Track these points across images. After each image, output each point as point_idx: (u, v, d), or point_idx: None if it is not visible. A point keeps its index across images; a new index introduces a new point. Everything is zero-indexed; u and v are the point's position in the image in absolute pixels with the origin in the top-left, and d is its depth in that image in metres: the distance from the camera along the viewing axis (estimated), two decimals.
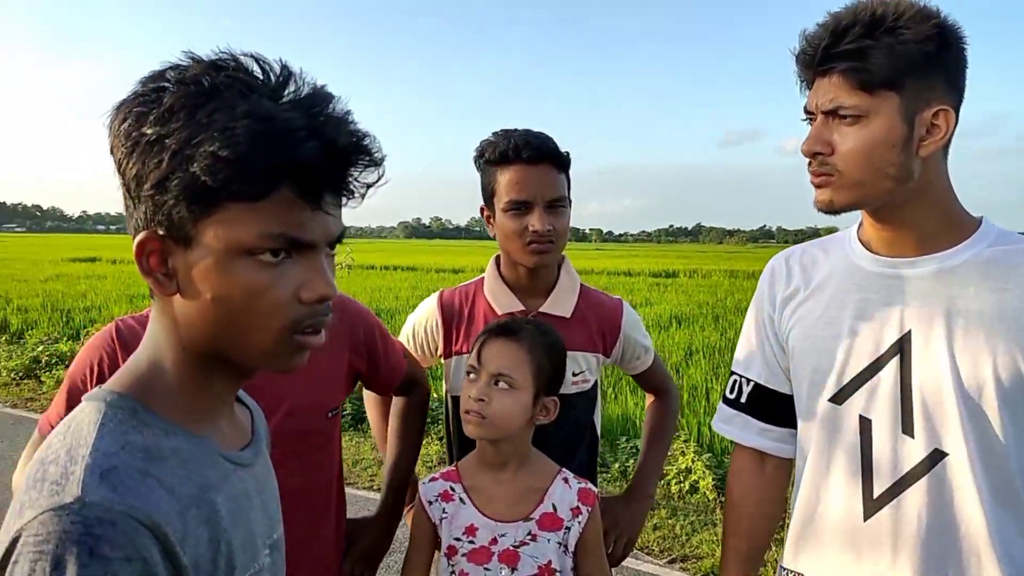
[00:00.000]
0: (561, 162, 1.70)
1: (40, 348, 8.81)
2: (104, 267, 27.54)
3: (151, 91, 0.75)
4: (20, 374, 8.28)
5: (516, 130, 1.72)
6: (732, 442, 1.50)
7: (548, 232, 1.66)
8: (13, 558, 0.65)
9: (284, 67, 0.78)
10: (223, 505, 0.80)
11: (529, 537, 1.46)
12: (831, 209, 1.21)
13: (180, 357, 0.82)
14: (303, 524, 1.46)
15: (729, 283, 22.29)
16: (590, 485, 1.56)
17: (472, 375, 1.50)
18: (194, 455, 0.79)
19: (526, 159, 1.66)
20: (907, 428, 1.20)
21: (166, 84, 0.75)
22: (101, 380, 1.34)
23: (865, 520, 1.23)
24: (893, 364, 1.22)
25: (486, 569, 1.45)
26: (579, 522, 1.49)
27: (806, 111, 1.21)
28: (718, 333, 10.65)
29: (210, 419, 0.85)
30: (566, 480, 1.54)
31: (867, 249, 1.28)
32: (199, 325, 0.79)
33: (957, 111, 1.16)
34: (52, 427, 1.40)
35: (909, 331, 1.21)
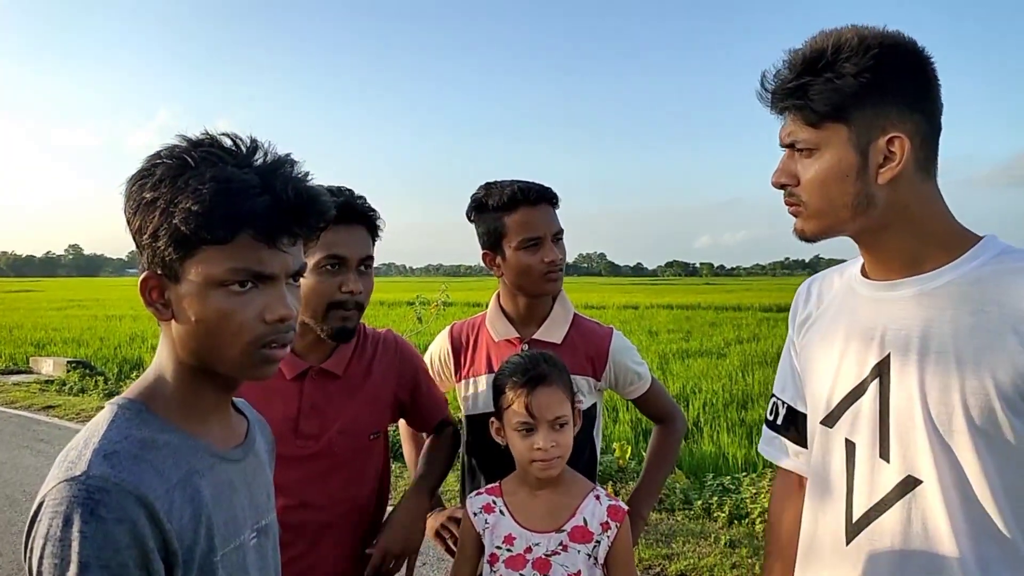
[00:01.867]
0: (555, 201, 1.96)
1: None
2: None
3: (151, 166, 0.98)
4: None
5: (506, 180, 1.96)
6: None
7: (557, 262, 1.92)
8: (38, 517, 0.88)
9: (253, 141, 1.01)
10: (206, 489, 1.00)
11: (560, 547, 1.60)
12: (805, 237, 1.24)
13: (177, 370, 1.03)
14: (346, 529, 1.73)
15: None
16: (621, 503, 1.68)
17: (529, 428, 1.61)
18: (183, 448, 1.00)
19: (534, 201, 1.91)
20: (884, 453, 1.18)
21: (159, 160, 0.98)
22: None
23: (847, 544, 1.22)
24: (874, 387, 1.20)
25: (521, 575, 1.59)
26: (608, 536, 1.62)
27: (780, 144, 1.25)
28: None
29: (203, 422, 1.05)
30: (598, 497, 1.67)
31: (862, 273, 1.29)
32: (188, 343, 1.00)
33: (922, 135, 1.15)
34: None
35: (888, 355, 1.19)
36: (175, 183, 0.94)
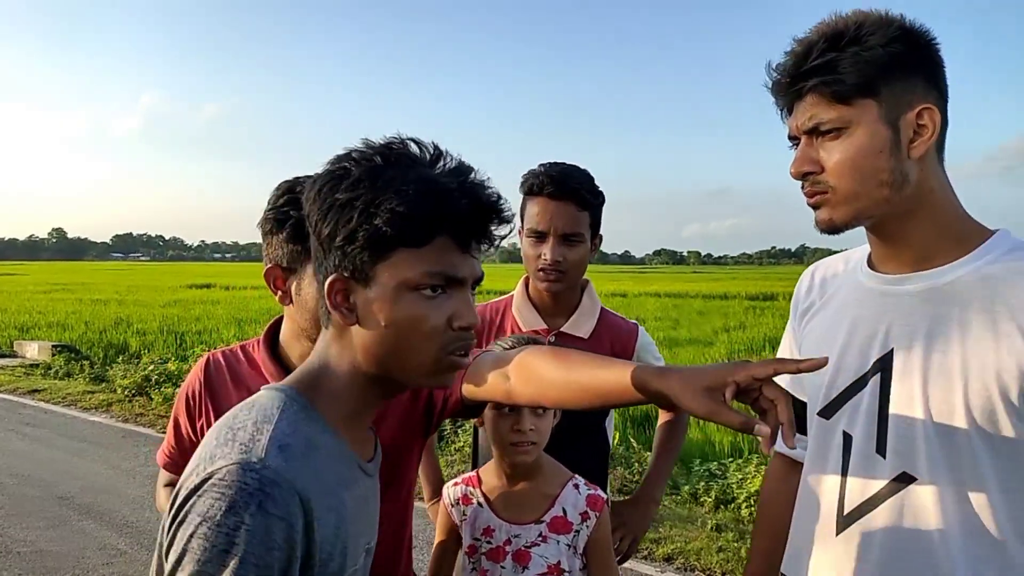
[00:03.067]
0: (582, 200, 1.82)
1: (151, 367, 9.46)
2: (218, 293, 29.27)
3: (339, 168, 0.96)
4: (133, 391, 8.90)
5: (555, 164, 1.86)
6: None
7: (557, 263, 1.82)
8: (199, 492, 0.84)
9: (435, 146, 0.98)
10: (349, 502, 0.96)
11: (540, 538, 1.57)
12: (832, 228, 1.18)
13: (350, 374, 0.99)
14: (388, 531, 1.44)
15: None
16: (600, 492, 1.65)
17: (509, 411, 1.55)
18: (337, 454, 0.97)
19: (547, 194, 1.82)
20: (880, 448, 1.17)
21: (349, 164, 0.95)
22: (191, 412, 1.45)
23: (837, 535, 1.21)
24: (874, 382, 1.18)
25: (501, 567, 1.56)
26: (588, 526, 1.59)
27: (790, 138, 1.21)
28: None
29: (355, 430, 1.02)
30: (576, 486, 1.63)
31: (869, 265, 1.26)
32: (374, 348, 0.97)
33: (943, 111, 1.13)
34: (168, 457, 1.53)
35: (891, 350, 1.17)
36: (375, 184, 0.92)
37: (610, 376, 1.11)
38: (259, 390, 1.32)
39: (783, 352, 1.47)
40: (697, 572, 4.23)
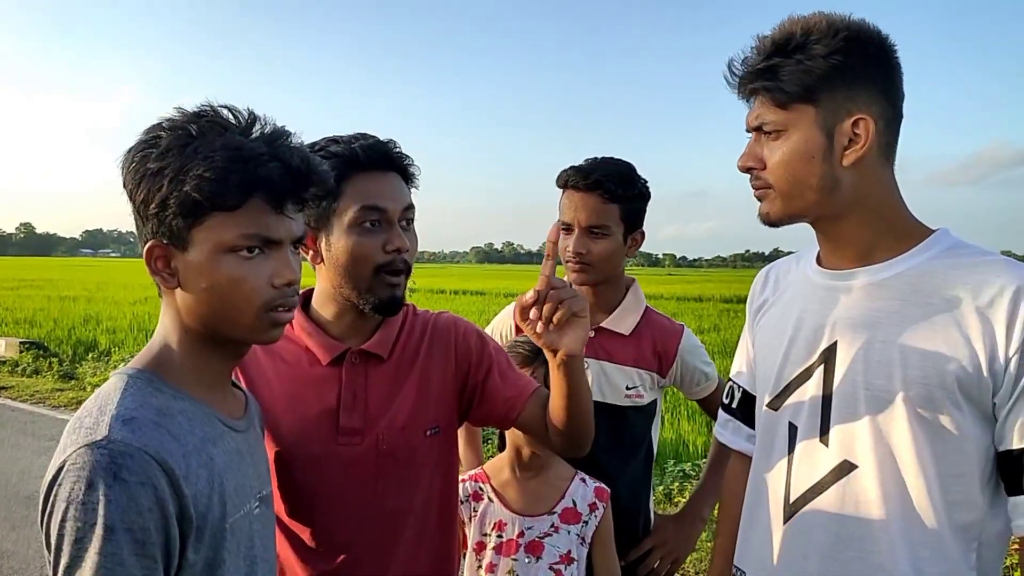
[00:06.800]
0: (609, 192, 1.81)
1: (121, 365, 9.28)
2: None
3: (151, 138, 0.99)
4: None
5: (594, 158, 1.87)
6: None
7: (580, 255, 1.82)
8: (58, 481, 0.88)
9: (251, 112, 1.03)
10: (218, 456, 1.02)
11: (552, 529, 1.63)
12: (770, 221, 1.24)
13: (183, 338, 1.05)
14: (396, 544, 1.40)
15: None
16: (603, 485, 1.72)
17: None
18: (196, 415, 1.02)
19: (573, 186, 1.84)
20: (823, 437, 1.21)
21: (160, 132, 0.99)
22: None
23: (784, 523, 1.25)
24: (819, 373, 1.23)
25: (514, 559, 1.60)
26: (595, 516, 1.68)
27: (746, 129, 1.26)
28: None
29: (211, 390, 1.08)
30: (583, 480, 1.71)
31: (817, 261, 1.31)
32: (197, 310, 1.02)
33: (887, 120, 1.17)
34: None
35: (835, 342, 1.21)
36: (183, 152, 0.96)
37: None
38: (292, 358, 1.41)
39: (741, 349, 1.52)
40: None
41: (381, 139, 1.37)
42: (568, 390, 1.30)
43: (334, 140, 1.35)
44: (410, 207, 1.38)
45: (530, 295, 1.20)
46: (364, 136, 1.37)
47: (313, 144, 1.34)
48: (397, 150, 1.37)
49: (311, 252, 1.37)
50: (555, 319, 1.18)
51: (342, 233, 1.33)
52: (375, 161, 1.34)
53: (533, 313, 1.20)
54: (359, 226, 1.32)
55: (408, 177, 1.40)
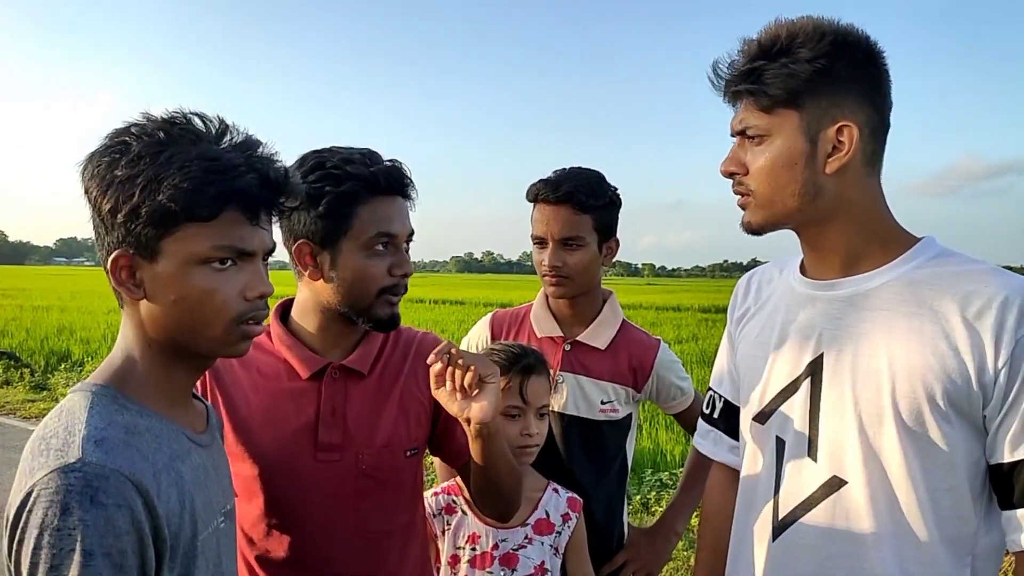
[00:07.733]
0: (579, 203, 1.80)
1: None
2: None
3: (118, 143, 0.96)
4: None
5: (562, 169, 1.86)
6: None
7: (556, 267, 1.82)
8: (28, 507, 0.84)
9: (221, 120, 1.01)
10: (187, 473, 0.99)
11: (526, 540, 1.63)
12: (752, 230, 1.22)
13: (146, 352, 1.01)
14: (378, 564, 1.41)
15: None
16: (575, 495, 1.72)
17: (516, 415, 1.63)
18: (163, 432, 0.99)
19: (544, 200, 1.83)
20: (812, 451, 1.18)
21: (128, 138, 0.95)
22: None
23: (773, 540, 1.22)
24: (806, 386, 1.20)
25: (488, 572, 1.59)
26: (568, 527, 1.67)
27: (730, 133, 1.24)
28: None
29: (174, 405, 1.04)
30: (556, 490, 1.71)
31: (801, 270, 1.28)
32: (163, 322, 0.99)
33: (872, 127, 1.14)
34: None
35: (822, 354, 1.18)
36: (156, 160, 0.93)
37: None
38: (270, 371, 1.38)
39: (721, 357, 1.48)
40: None
41: (395, 163, 1.40)
42: (484, 459, 1.33)
43: (349, 160, 1.34)
44: (412, 232, 1.43)
45: (439, 365, 1.25)
46: (374, 157, 1.38)
47: (323, 160, 1.33)
48: (409, 177, 1.40)
49: (308, 267, 1.36)
50: (466, 382, 1.23)
51: (353, 253, 1.35)
52: (392, 187, 1.38)
53: (449, 384, 1.26)
54: (371, 249, 1.35)
55: (410, 200, 1.44)
